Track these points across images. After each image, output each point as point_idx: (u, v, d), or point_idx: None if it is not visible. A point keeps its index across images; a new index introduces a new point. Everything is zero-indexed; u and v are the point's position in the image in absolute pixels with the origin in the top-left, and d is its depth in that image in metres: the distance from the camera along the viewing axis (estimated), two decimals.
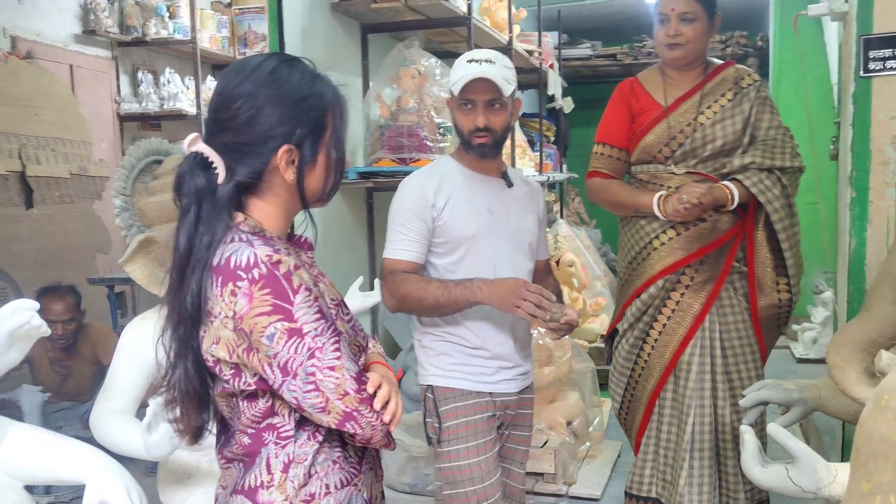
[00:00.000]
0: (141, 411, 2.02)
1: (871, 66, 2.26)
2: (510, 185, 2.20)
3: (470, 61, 2.07)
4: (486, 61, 2.06)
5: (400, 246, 2.11)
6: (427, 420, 2.18)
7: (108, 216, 4.91)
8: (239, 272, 1.22)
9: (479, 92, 2.06)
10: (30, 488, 2.79)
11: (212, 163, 1.30)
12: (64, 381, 3.60)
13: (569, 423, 3.29)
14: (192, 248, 1.27)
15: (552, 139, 6.54)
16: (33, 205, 4.29)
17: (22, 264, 4.11)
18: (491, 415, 2.15)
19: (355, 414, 1.25)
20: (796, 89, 5.18)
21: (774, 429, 1.41)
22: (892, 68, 2.25)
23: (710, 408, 2.55)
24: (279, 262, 1.24)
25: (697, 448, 2.54)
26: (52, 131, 4.48)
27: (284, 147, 1.30)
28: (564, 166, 6.73)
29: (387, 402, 1.29)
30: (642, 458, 2.69)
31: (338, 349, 1.25)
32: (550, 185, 6.70)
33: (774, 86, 5.76)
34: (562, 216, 6.40)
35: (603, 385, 2.92)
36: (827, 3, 2.46)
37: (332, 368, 1.23)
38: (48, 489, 2.96)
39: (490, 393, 2.15)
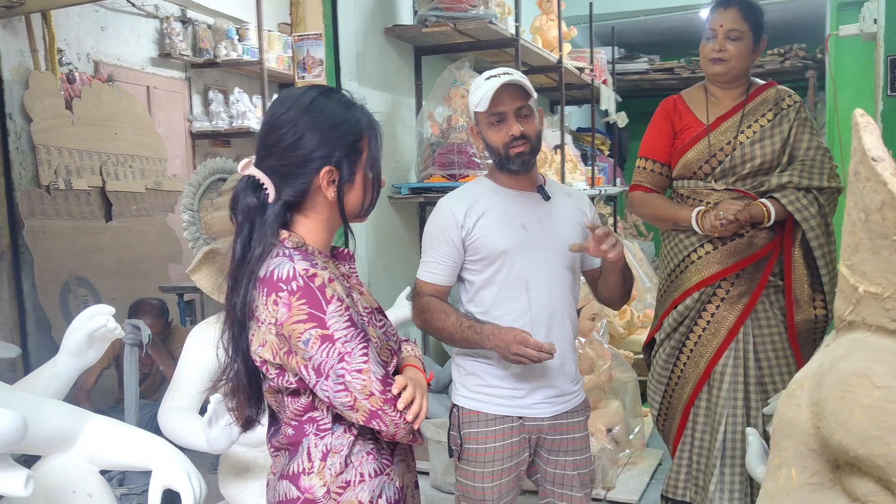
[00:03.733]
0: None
1: None
2: (547, 198, 2.16)
3: (488, 78, 2.07)
4: (504, 74, 2.06)
5: (428, 268, 2.13)
6: (451, 433, 2.18)
7: (180, 228, 5.16)
8: (280, 284, 1.38)
9: (507, 102, 2.05)
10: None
11: (262, 184, 1.47)
12: (143, 379, 3.82)
13: (609, 431, 3.37)
14: (245, 259, 1.45)
15: (607, 153, 6.61)
16: (112, 218, 4.57)
17: (103, 273, 4.39)
18: (519, 439, 2.11)
19: (380, 413, 1.38)
20: (852, 102, 5.15)
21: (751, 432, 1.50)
22: None
23: (742, 416, 2.60)
24: (314, 275, 1.39)
25: (729, 455, 2.60)
26: (129, 149, 4.78)
27: (326, 168, 1.46)
28: (620, 179, 6.78)
29: (411, 403, 1.41)
30: (678, 464, 2.76)
31: (365, 354, 1.38)
32: (607, 199, 6.77)
33: (831, 98, 5.71)
34: (616, 229, 6.44)
35: (646, 396, 2.98)
36: (858, 25, 2.52)
37: (359, 371, 1.37)
38: (121, 481, 3.17)
39: (520, 417, 2.11)
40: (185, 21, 5.49)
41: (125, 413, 3.15)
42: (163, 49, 5.26)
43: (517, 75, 2.07)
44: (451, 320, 2.07)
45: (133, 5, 4.98)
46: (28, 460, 1.64)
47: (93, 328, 2.09)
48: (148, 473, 3.16)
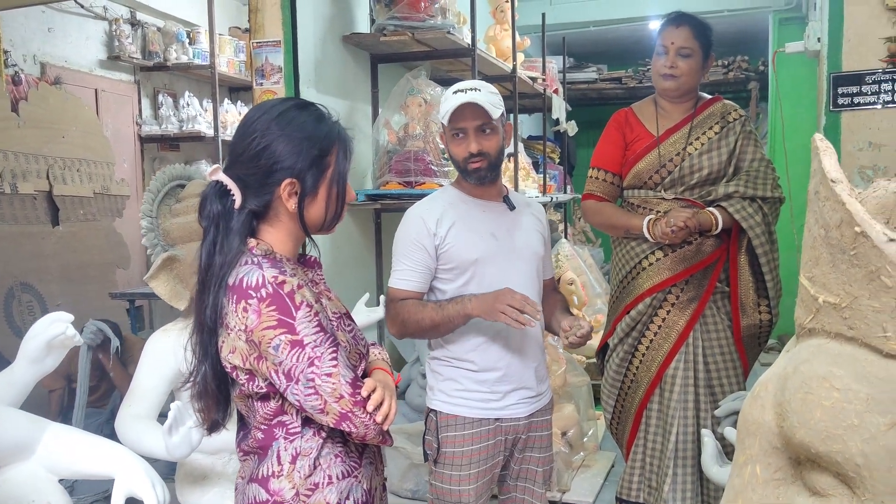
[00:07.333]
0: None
1: (840, 101, 2.43)
2: (512, 208, 2.22)
3: (456, 92, 2.10)
4: (472, 89, 2.09)
5: (401, 276, 2.13)
6: (427, 437, 2.20)
7: (128, 233, 5.10)
8: (250, 291, 1.39)
9: (468, 119, 2.08)
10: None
11: (230, 190, 1.48)
12: (95, 389, 3.75)
13: (564, 434, 3.43)
14: (211, 265, 1.45)
15: (557, 161, 6.72)
16: (59, 222, 4.47)
17: (48, 279, 4.29)
18: (494, 441, 2.15)
19: (350, 415, 1.40)
20: (794, 114, 5.35)
21: (729, 432, 1.57)
22: (859, 104, 2.42)
23: (693, 419, 2.68)
24: (283, 282, 1.41)
25: (681, 456, 2.68)
26: (77, 152, 4.67)
27: (287, 180, 1.47)
28: (570, 187, 6.89)
29: (381, 405, 1.43)
30: (631, 466, 2.83)
31: (335, 358, 1.40)
32: (556, 206, 6.88)
33: (775, 111, 5.93)
34: (566, 236, 6.54)
35: (598, 399, 3.05)
36: (802, 43, 2.63)
37: (329, 375, 1.38)
38: (72, 490, 3.11)
39: (497, 419, 2.15)
40: (134, 23, 5.40)
41: (74, 412, 3.10)
42: (111, 51, 5.16)
43: (481, 94, 2.09)
44: (428, 308, 2.08)
45: (81, 7, 4.89)
46: None
47: (51, 335, 2.06)
48: (98, 483, 3.14)
